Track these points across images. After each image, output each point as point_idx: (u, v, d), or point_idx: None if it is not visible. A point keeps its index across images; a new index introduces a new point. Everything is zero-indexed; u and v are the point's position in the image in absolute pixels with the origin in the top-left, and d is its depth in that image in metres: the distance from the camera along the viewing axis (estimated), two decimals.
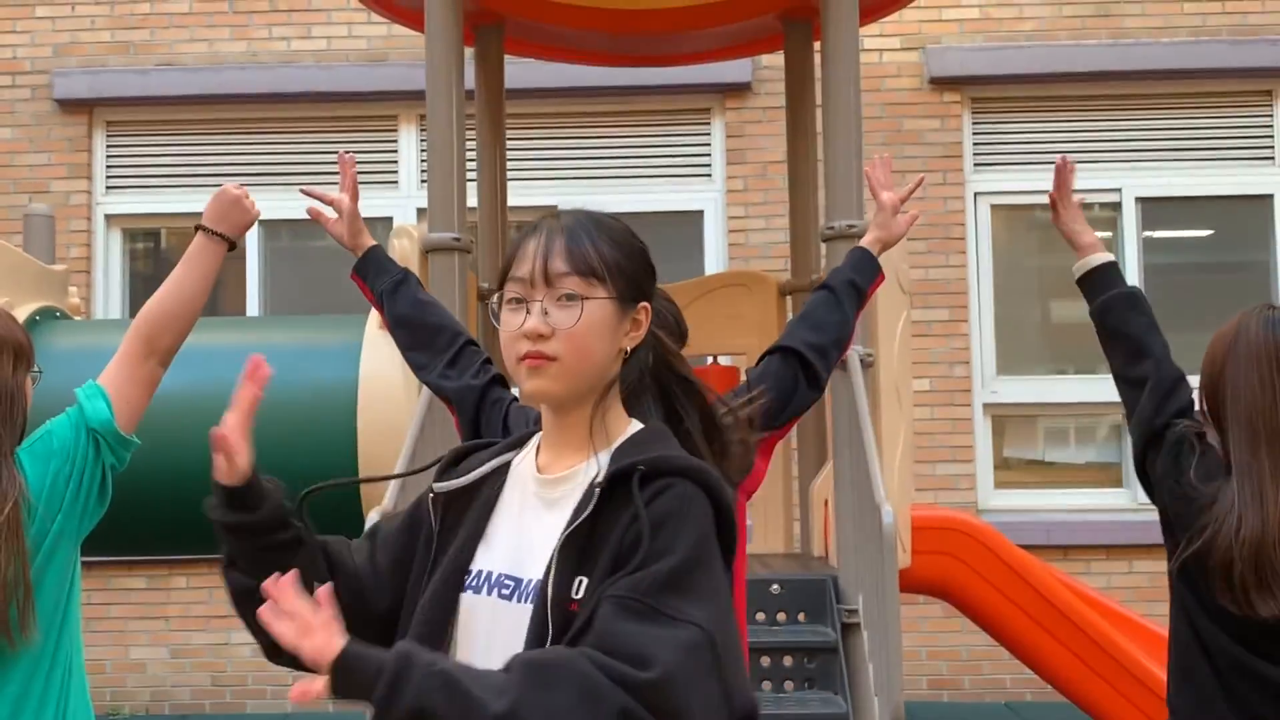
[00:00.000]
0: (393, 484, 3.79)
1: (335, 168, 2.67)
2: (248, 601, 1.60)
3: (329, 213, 2.64)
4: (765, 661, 4.06)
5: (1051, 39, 7.56)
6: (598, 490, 1.56)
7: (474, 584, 1.64)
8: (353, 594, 1.69)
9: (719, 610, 1.52)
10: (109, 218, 7.79)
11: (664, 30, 5.51)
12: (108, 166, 7.82)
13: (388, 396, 4.61)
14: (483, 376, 2.43)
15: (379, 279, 2.60)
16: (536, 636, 1.54)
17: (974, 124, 7.60)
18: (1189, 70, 7.48)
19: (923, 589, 4.94)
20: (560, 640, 1.50)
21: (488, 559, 1.65)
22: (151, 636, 7.33)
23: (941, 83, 7.51)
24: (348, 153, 2.64)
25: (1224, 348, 2.32)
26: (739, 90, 7.56)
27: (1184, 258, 7.94)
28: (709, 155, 7.72)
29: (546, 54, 5.94)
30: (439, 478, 1.73)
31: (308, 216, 2.73)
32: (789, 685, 4.07)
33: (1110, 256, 2.61)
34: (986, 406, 7.48)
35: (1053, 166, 2.78)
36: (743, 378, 2.76)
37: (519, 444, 1.76)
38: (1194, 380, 2.40)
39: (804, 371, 2.49)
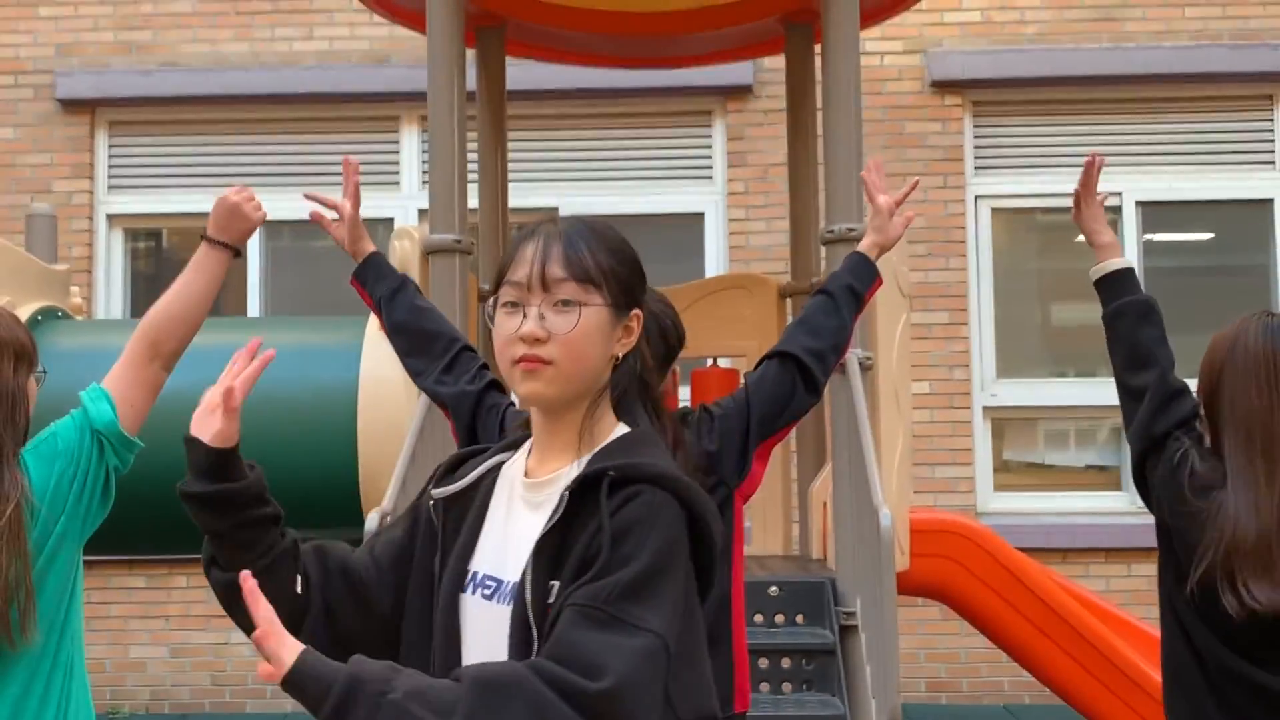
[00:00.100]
0: (393, 484, 3.80)
1: (336, 168, 2.68)
2: (233, 597, 1.60)
3: (331, 216, 2.65)
4: (763, 663, 4.07)
5: (1053, 43, 7.56)
6: (567, 494, 1.58)
7: (469, 585, 1.66)
8: (356, 598, 1.71)
9: (677, 618, 1.53)
10: (111, 218, 7.81)
11: (665, 32, 5.52)
12: (110, 166, 7.83)
13: (388, 397, 4.62)
14: (478, 382, 2.44)
15: (378, 285, 2.60)
16: (521, 641, 1.55)
17: (975, 127, 7.60)
18: (1190, 74, 7.49)
19: (921, 591, 4.95)
20: (545, 642, 1.52)
21: (480, 560, 1.67)
22: (151, 636, 7.34)
23: (943, 86, 7.52)
24: (352, 157, 2.64)
25: (1222, 353, 2.33)
26: (740, 93, 7.57)
27: (1184, 261, 7.94)
28: (710, 158, 7.73)
29: (548, 56, 5.95)
30: (437, 484, 1.75)
31: (309, 218, 2.74)
32: (787, 687, 4.08)
33: (1129, 262, 2.60)
34: (986, 409, 7.49)
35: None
36: (742, 380, 2.77)
37: (513, 446, 1.77)
38: (1192, 384, 2.41)
39: (801, 376, 2.51)
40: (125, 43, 7.76)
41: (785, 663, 4.08)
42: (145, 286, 7.85)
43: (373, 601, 1.72)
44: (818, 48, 4.99)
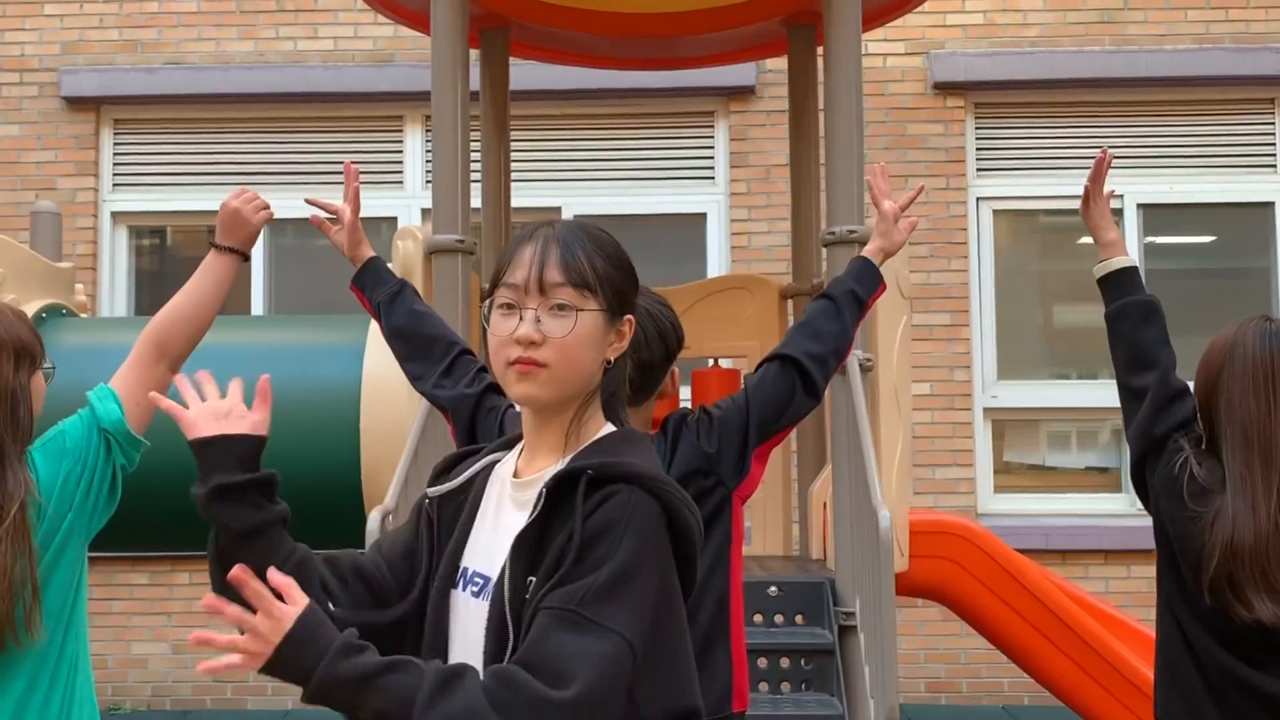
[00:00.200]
0: (395, 483, 3.81)
1: (340, 168, 2.69)
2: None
3: (331, 220, 2.67)
4: (762, 663, 4.08)
5: (1055, 45, 7.58)
6: (544, 492, 1.60)
7: (460, 581, 1.70)
8: (365, 603, 1.73)
9: (648, 618, 1.55)
10: (115, 215, 7.83)
11: (668, 34, 5.54)
12: (114, 164, 7.85)
13: (391, 396, 4.64)
14: (477, 385, 2.45)
15: (377, 290, 2.62)
16: (497, 635, 1.58)
17: (977, 129, 7.62)
18: (1191, 78, 7.50)
19: (920, 592, 4.95)
20: (523, 638, 1.54)
21: (472, 557, 1.70)
22: (153, 632, 7.36)
23: (945, 88, 7.53)
24: (353, 164, 2.65)
25: (1220, 358, 2.33)
26: (743, 94, 7.58)
27: (1185, 264, 7.95)
28: (712, 158, 7.74)
29: (551, 57, 5.96)
30: (432, 483, 1.78)
31: (310, 220, 2.76)
32: (785, 687, 4.09)
33: (1133, 260, 2.60)
34: (987, 411, 7.50)
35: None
36: (742, 382, 2.78)
37: (508, 446, 1.80)
38: (1191, 385, 2.42)
39: (801, 380, 2.52)
40: (130, 41, 7.78)
41: (784, 663, 4.09)
42: (150, 284, 7.87)
43: (387, 600, 1.74)
44: (820, 49, 5.00)
